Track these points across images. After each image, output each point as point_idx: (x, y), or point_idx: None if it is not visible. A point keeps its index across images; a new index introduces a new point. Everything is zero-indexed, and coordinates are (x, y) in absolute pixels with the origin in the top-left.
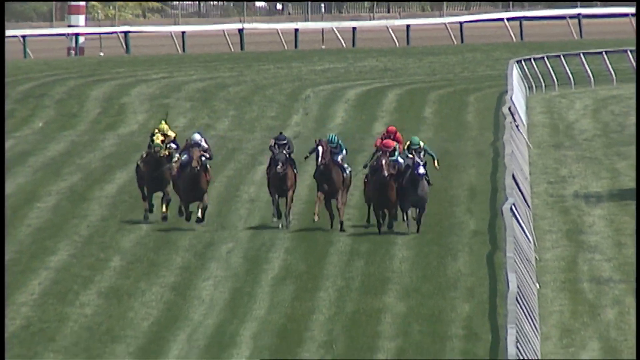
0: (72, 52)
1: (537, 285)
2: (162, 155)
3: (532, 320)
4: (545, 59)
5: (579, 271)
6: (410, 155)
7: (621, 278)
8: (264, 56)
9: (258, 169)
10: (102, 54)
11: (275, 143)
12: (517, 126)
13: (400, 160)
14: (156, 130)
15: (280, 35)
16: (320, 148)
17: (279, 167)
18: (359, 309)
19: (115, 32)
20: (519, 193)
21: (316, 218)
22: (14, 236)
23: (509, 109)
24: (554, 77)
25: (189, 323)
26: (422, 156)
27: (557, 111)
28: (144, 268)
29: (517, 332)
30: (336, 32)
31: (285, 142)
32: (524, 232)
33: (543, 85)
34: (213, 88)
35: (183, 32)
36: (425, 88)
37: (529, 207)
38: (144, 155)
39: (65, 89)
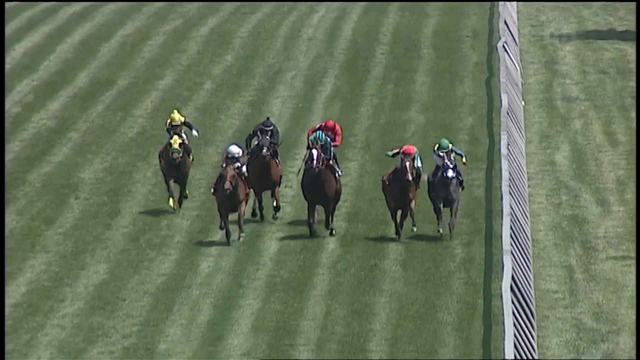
0: None
1: (523, 102)
2: (179, 160)
3: (519, 128)
4: None
5: (554, 92)
6: (441, 154)
7: (586, 97)
8: None
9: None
10: None
11: (258, 129)
12: None
13: (419, 164)
14: (168, 122)
15: None
16: (314, 151)
17: (264, 150)
18: (389, 121)
19: None
20: (510, 34)
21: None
22: (132, 65)
23: None
24: None
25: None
26: (452, 158)
27: None
28: (229, 89)
29: (507, 137)
30: None
31: (270, 128)
32: (513, 63)
33: None
34: None
35: None
36: None
37: (516, 44)
38: (163, 151)
39: None
